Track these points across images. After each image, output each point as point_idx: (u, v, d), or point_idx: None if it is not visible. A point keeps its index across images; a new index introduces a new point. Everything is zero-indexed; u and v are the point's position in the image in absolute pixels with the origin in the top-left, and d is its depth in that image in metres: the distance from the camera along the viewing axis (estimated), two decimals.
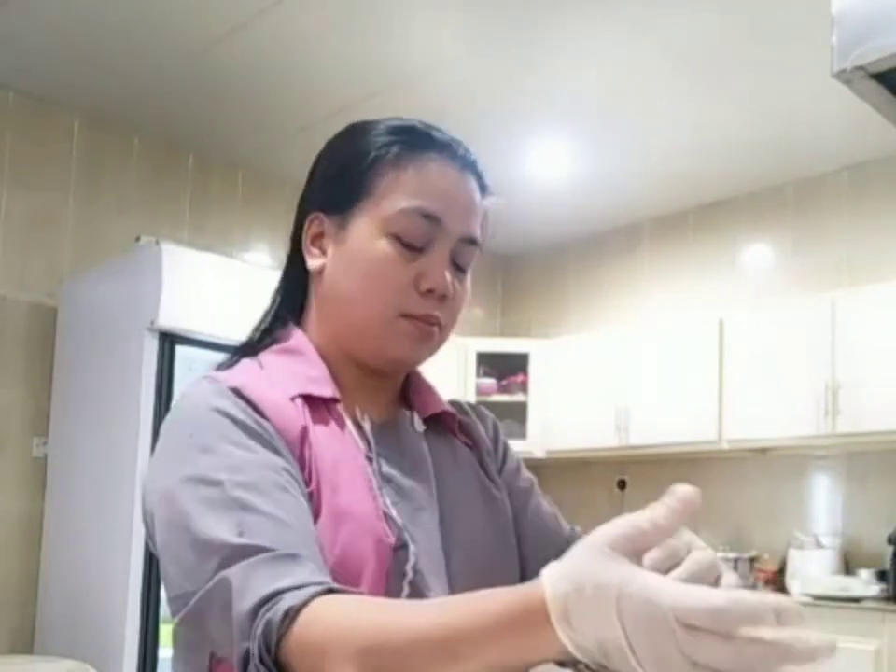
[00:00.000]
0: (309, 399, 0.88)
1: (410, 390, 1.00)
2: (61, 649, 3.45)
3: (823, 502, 4.46)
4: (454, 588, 0.87)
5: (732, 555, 4.34)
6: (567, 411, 4.91)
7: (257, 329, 0.99)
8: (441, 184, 0.91)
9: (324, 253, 0.94)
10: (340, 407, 0.90)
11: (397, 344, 0.91)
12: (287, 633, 0.66)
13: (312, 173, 1.00)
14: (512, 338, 5.52)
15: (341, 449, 0.87)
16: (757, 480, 4.60)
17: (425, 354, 0.94)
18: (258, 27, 3.42)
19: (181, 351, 3.46)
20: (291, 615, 0.66)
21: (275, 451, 0.81)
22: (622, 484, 5.10)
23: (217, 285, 3.57)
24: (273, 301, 1.01)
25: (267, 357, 0.94)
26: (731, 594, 0.50)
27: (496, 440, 1.05)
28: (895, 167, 4.32)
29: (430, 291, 0.90)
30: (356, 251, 0.91)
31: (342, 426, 0.89)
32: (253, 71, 3.75)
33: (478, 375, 5.14)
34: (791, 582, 4.11)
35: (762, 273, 4.78)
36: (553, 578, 0.54)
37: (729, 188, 4.78)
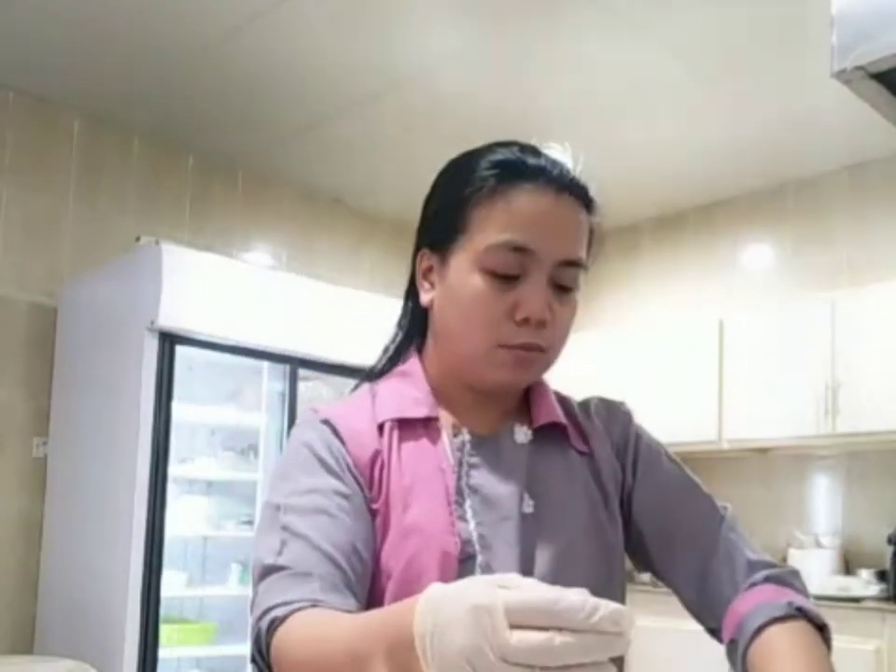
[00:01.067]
0: (402, 422, 0.96)
1: (531, 401, 1.03)
2: (61, 649, 3.45)
3: (823, 502, 4.46)
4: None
5: None
6: None
7: (382, 357, 1.07)
8: (530, 213, 0.92)
9: (433, 287, 0.99)
10: (439, 424, 0.96)
11: (496, 372, 0.94)
12: (271, 642, 0.78)
13: (423, 209, 1.03)
14: None
15: (425, 465, 0.93)
16: (757, 480, 4.60)
17: (528, 377, 0.98)
18: (258, 27, 3.42)
19: (181, 351, 3.46)
20: (274, 627, 0.78)
21: (338, 476, 0.91)
22: None
23: (217, 285, 3.57)
24: (396, 333, 1.07)
25: (383, 382, 1.02)
26: (559, 590, 0.52)
27: (625, 439, 1.04)
28: (895, 167, 4.32)
29: (526, 320, 0.92)
30: (455, 286, 0.95)
31: (435, 441, 0.95)
32: (253, 71, 3.75)
33: None
34: None
35: (762, 273, 4.78)
36: (422, 611, 0.57)
37: (729, 188, 4.78)
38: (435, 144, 3.79)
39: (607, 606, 0.51)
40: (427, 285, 0.99)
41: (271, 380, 3.83)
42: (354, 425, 0.94)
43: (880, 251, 4.32)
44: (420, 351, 1.03)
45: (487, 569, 0.88)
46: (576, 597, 0.52)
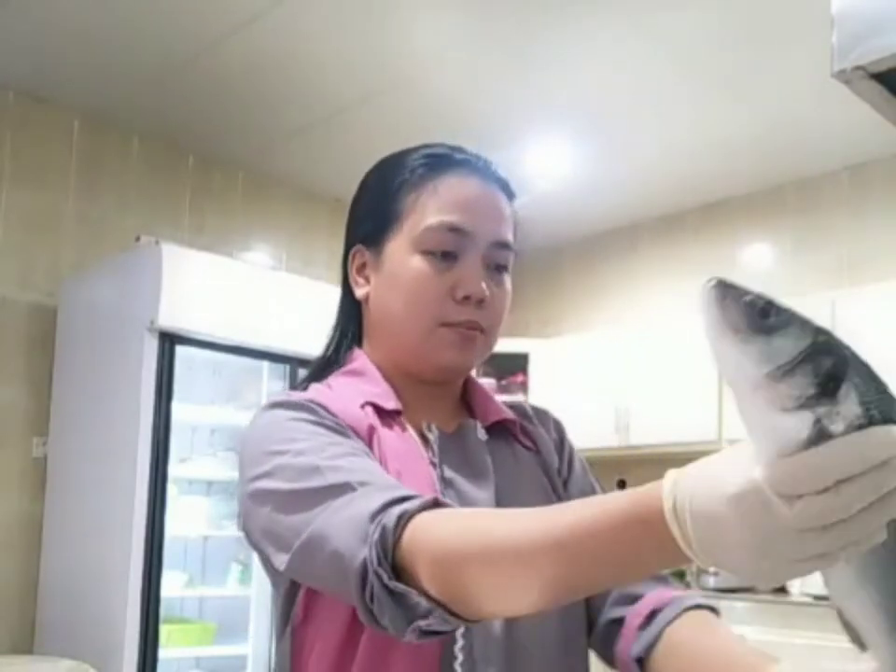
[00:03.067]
0: (375, 409, 0.96)
1: (469, 399, 1.05)
2: (61, 649, 3.45)
3: None
4: None
5: None
6: (567, 411, 4.86)
7: (321, 357, 1.07)
8: (462, 197, 0.97)
9: (368, 281, 1.02)
10: (403, 419, 0.97)
11: (441, 353, 0.97)
12: (401, 538, 0.71)
13: (350, 209, 1.07)
14: (512, 338, 5.51)
15: (406, 453, 0.94)
16: None
17: (471, 359, 1.00)
18: (257, 27, 3.42)
19: (181, 351, 3.46)
20: (404, 521, 0.71)
21: (351, 439, 0.89)
22: (622, 484, 5.10)
23: (217, 285, 3.57)
24: (333, 331, 1.08)
25: (334, 380, 1.01)
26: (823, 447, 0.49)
27: (560, 442, 1.09)
28: (895, 167, 4.32)
29: (467, 298, 0.95)
30: (393, 273, 0.98)
31: (406, 434, 0.96)
32: (253, 71, 3.75)
33: (477, 375, 5.12)
34: (792, 582, 4.11)
35: (762, 273, 4.78)
36: (671, 478, 0.56)
37: (729, 188, 4.78)
38: None
39: (868, 434, 0.49)
40: (361, 280, 1.02)
41: (271, 380, 3.83)
42: (337, 405, 0.93)
43: (880, 251, 4.32)
44: (360, 349, 1.04)
45: None
46: (839, 442, 0.49)
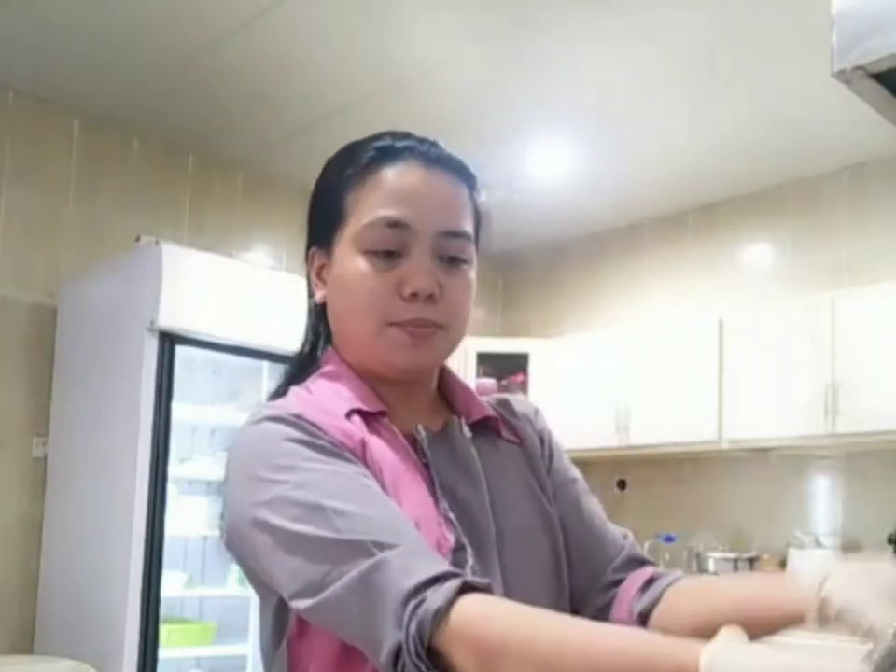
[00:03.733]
0: (362, 415, 0.92)
1: (448, 394, 1.02)
2: (61, 649, 3.45)
3: (823, 502, 4.46)
4: (507, 585, 0.89)
5: (732, 555, 4.34)
6: (567, 411, 4.90)
7: (297, 360, 1.03)
8: (402, 188, 0.93)
9: (325, 284, 0.99)
10: (387, 421, 0.93)
11: (393, 353, 0.92)
12: (439, 630, 0.71)
13: (308, 209, 1.03)
14: (512, 338, 5.51)
15: (397, 460, 0.90)
16: (757, 480, 4.60)
17: (428, 357, 0.95)
18: (257, 27, 3.42)
19: (181, 351, 3.46)
20: (440, 615, 0.71)
21: (349, 461, 0.85)
22: (622, 484, 5.10)
23: (217, 285, 3.57)
24: (306, 335, 1.04)
25: (313, 384, 0.97)
26: None
27: (542, 435, 1.06)
28: (895, 167, 4.31)
29: (414, 295, 0.91)
30: (340, 274, 0.94)
31: (394, 436, 0.92)
32: (253, 71, 3.75)
33: (478, 375, 5.13)
34: None
35: (762, 272, 4.78)
36: (710, 660, 0.58)
37: (729, 188, 4.77)
38: None
39: None
40: (319, 283, 0.99)
41: (271, 380, 3.82)
42: (325, 419, 0.89)
43: (880, 251, 4.32)
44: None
45: (480, 562, 0.88)
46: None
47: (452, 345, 0.96)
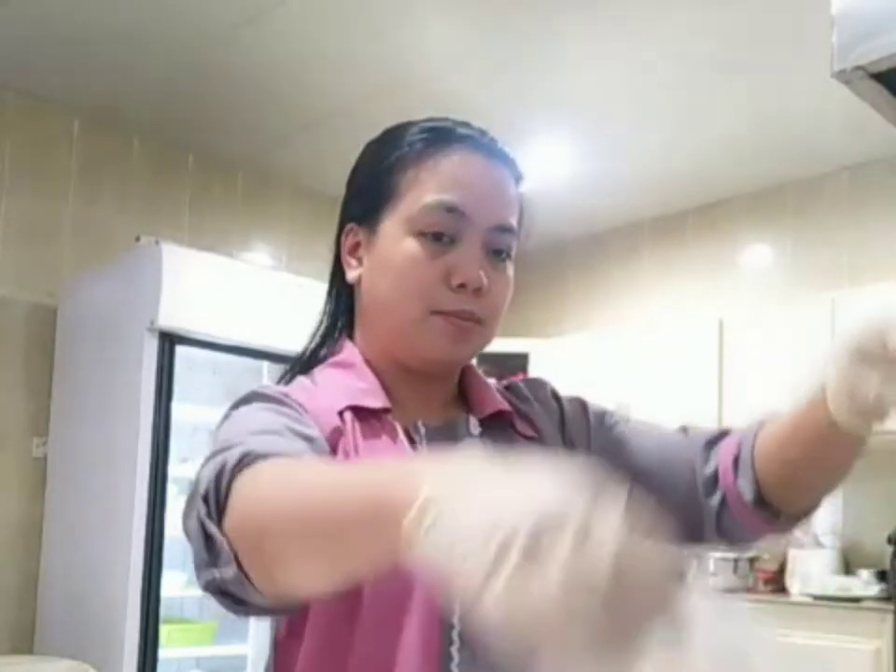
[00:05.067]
0: (359, 412, 0.89)
1: (467, 391, 0.98)
2: (61, 649, 3.45)
3: (823, 502, 4.45)
4: None
5: (732, 555, 4.34)
6: None
7: (308, 346, 1.00)
8: (463, 175, 0.90)
9: (360, 263, 0.95)
10: (391, 417, 0.90)
11: (433, 343, 0.89)
12: (235, 478, 0.68)
13: (347, 184, 1.00)
14: (512, 338, 5.51)
15: (389, 454, 0.87)
16: None
17: (466, 351, 0.93)
18: (258, 27, 3.42)
19: (181, 351, 3.46)
20: (245, 462, 0.68)
21: (300, 422, 0.82)
22: None
23: (217, 285, 3.57)
24: (321, 318, 1.01)
25: (320, 372, 0.94)
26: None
27: (561, 410, 1.02)
28: (895, 167, 4.31)
29: (462, 286, 0.88)
30: (385, 255, 0.91)
31: (393, 436, 0.89)
32: (253, 71, 3.75)
33: None
34: (791, 582, 4.11)
35: (762, 273, 4.78)
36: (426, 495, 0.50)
37: (729, 188, 4.77)
38: None
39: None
40: (353, 262, 0.95)
41: (271, 380, 3.81)
42: (312, 403, 0.87)
43: (880, 251, 4.32)
44: (351, 339, 0.97)
45: None
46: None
47: (486, 342, 0.95)
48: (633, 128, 4.16)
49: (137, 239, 3.71)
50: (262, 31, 3.44)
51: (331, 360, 0.95)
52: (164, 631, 3.42)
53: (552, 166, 4.55)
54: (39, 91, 3.95)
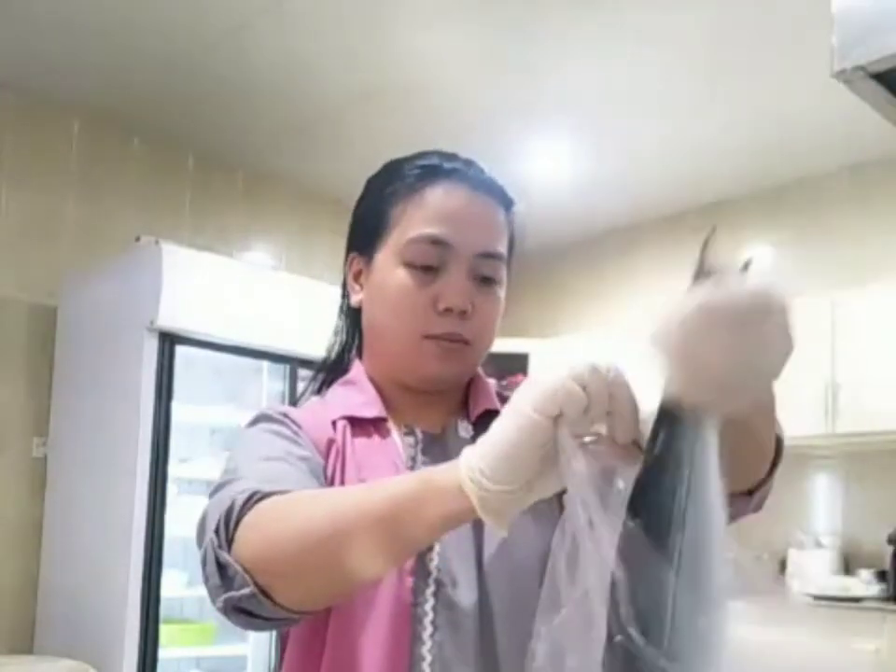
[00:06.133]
0: (353, 421, 0.98)
1: (470, 397, 1.05)
2: (60, 649, 3.45)
3: (823, 502, 4.45)
4: (483, 585, 0.90)
5: (731, 555, 4.33)
6: None
7: (322, 366, 1.09)
8: (446, 208, 0.97)
9: (363, 289, 1.04)
10: (389, 424, 0.99)
11: (425, 364, 0.97)
12: (244, 515, 0.77)
13: (351, 216, 1.08)
14: (512, 338, 5.51)
15: (379, 460, 0.95)
16: None
17: (455, 370, 1.00)
18: (257, 27, 3.42)
19: (181, 351, 3.46)
20: (254, 500, 0.78)
21: (294, 442, 0.92)
22: None
23: (216, 285, 3.57)
24: (332, 340, 1.10)
25: (331, 392, 1.04)
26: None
27: None
28: (895, 167, 4.31)
29: (448, 310, 0.96)
30: (380, 283, 1.00)
31: (386, 440, 0.97)
32: (253, 71, 3.75)
33: None
34: (791, 582, 4.10)
35: (761, 273, 4.77)
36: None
37: (729, 188, 4.77)
38: (434, 144, 3.77)
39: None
40: (357, 287, 1.04)
41: (271, 380, 3.83)
42: (308, 418, 0.97)
43: (880, 251, 4.32)
44: (361, 356, 1.07)
45: (446, 564, 0.89)
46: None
47: (476, 361, 1.02)
48: (633, 128, 4.16)
49: (137, 239, 3.71)
50: (262, 31, 3.44)
51: (342, 380, 1.05)
52: (164, 631, 3.42)
53: (552, 166, 4.56)
54: (39, 91, 3.95)
